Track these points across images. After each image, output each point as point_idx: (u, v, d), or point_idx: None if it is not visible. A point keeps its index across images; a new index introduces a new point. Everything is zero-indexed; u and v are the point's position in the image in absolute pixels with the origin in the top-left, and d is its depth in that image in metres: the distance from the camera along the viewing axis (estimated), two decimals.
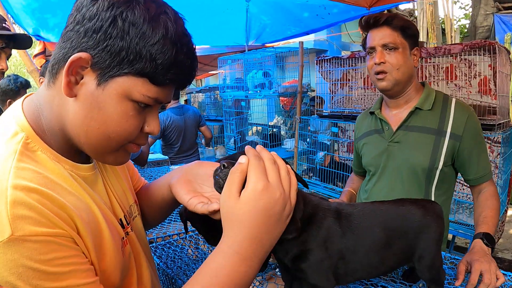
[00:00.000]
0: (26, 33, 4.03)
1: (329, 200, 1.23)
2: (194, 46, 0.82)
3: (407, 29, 1.68)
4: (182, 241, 1.71)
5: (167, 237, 1.73)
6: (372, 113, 1.92)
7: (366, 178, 1.99)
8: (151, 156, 4.49)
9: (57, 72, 0.74)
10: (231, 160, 0.86)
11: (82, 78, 0.73)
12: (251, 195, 0.71)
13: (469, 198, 3.54)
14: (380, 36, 1.68)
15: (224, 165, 0.82)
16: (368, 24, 1.73)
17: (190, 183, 0.98)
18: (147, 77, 0.73)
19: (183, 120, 4.74)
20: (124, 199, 0.98)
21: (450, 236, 4.76)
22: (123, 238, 0.89)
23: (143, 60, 0.71)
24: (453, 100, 1.74)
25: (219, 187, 0.81)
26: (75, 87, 0.73)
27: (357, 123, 2.08)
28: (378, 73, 1.70)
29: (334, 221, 0.99)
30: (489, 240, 1.43)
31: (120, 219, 0.92)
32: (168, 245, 1.66)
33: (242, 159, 0.75)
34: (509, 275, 1.29)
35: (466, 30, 14.23)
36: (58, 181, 0.73)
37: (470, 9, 12.60)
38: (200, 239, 1.73)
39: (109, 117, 0.74)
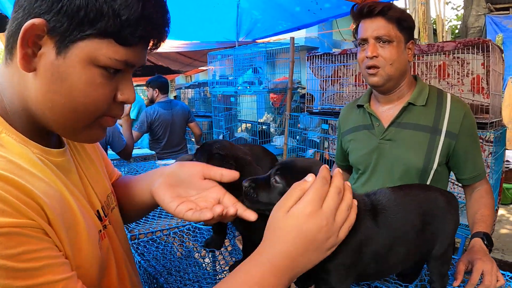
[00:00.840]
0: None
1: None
2: None
3: (403, 21, 1.56)
4: (166, 238, 1.66)
5: (150, 233, 1.67)
6: (360, 106, 1.79)
7: (353, 176, 1.87)
8: (137, 151, 4.44)
9: (13, 46, 0.66)
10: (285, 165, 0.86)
11: (40, 49, 0.64)
12: (298, 214, 0.70)
13: (460, 197, 3.51)
14: (374, 27, 1.54)
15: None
16: (361, 13, 1.59)
17: (173, 188, 0.91)
18: (112, 37, 0.65)
19: (171, 115, 4.68)
20: (101, 189, 0.90)
21: None
22: (100, 231, 0.81)
23: (106, 18, 0.62)
24: (448, 96, 1.64)
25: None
26: (33, 60, 0.64)
27: (342, 116, 1.94)
28: (369, 67, 1.58)
29: (371, 220, 0.91)
30: (488, 240, 1.37)
31: (98, 211, 0.84)
32: (151, 242, 1.60)
33: (308, 177, 0.73)
34: (508, 275, 1.26)
35: (457, 31, 14.35)
36: (26, 166, 0.64)
37: (462, 10, 12.69)
38: (185, 235, 1.69)
39: (74, 88, 0.66)
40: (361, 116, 1.78)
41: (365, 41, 1.58)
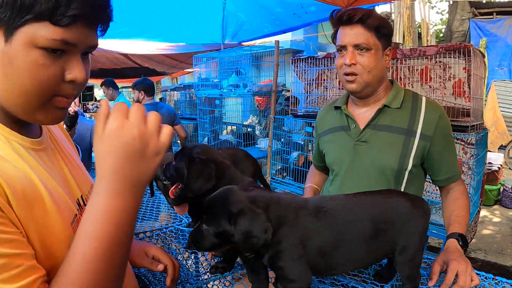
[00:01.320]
0: None
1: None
2: None
3: (381, 28, 1.57)
4: (149, 240, 1.67)
5: (140, 233, 1.68)
6: (337, 107, 1.81)
7: (330, 178, 1.89)
8: None
9: None
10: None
11: None
12: (108, 134, 0.72)
13: (439, 198, 3.56)
14: (353, 34, 1.56)
15: None
16: (341, 20, 1.60)
17: None
18: (47, 19, 0.70)
19: None
20: (82, 181, 0.98)
21: None
22: (76, 215, 0.86)
23: (40, 2, 0.68)
24: (423, 99, 1.67)
25: None
26: None
27: (319, 117, 1.96)
28: (347, 74, 1.60)
29: (311, 219, 1.01)
30: (463, 241, 1.39)
31: (78, 199, 0.92)
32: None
33: (101, 102, 0.78)
34: (483, 275, 1.29)
35: (442, 35, 14.52)
36: None
37: (447, 15, 12.85)
38: (168, 237, 1.69)
39: (21, 71, 0.72)
40: (338, 118, 1.80)
41: (343, 48, 1.60)
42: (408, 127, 1.62)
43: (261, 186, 1.57)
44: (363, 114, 1.71)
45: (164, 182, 1.51)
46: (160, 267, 1.19)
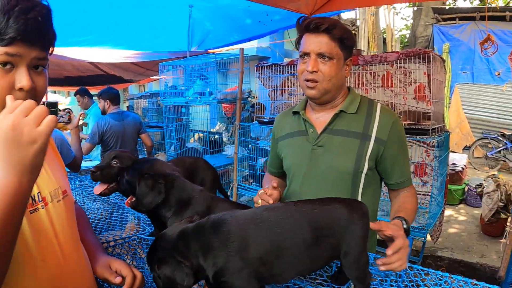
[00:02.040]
0: None
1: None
2: None
3: (345, 40, 1.63)
4: (120, 249, 1.66)
5: (104, 244, 1.65)
6: (295, 113, 1.85)
7: (288, 183, 1.90)
8: (87, 164, 4.35)
9: None
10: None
11: None
12: None
13: None
14: (317, 43, 1.60)
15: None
16: (308, 28, 1.64)
17: None
18: None
19: (122, 126, 4.66)
20: (45, 181, 1.11)
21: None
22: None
23: None
24: (378, 105, 1.73)
25: None
26: None
27: (277, 122, 1.98)
28: (308, 80, 1.64)
29: (245, 232, 1.04)
30: (407, 229, 1.42)
31: (34, 195, 1.05)
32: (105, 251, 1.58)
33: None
34: (438, 274, 1.32)
35: (406, 40, 14.88)
36: None
37: (411, 20, 13.18)
38: (142, 245, 1.69)
39: None
40: (296, 123, 1.83)
41: (307, 54, 1.64)
42: (363, 131, 1.67)
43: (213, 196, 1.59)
44: (320, 118, 1.76)
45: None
46: (118, 279, 1.24)
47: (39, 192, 1.07)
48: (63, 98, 16.61)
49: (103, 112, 4.87)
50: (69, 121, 3.20)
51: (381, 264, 1.22)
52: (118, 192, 1.68)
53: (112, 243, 1.67)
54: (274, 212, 1.10)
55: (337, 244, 1.12)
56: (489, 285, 1.20)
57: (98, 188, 1.73)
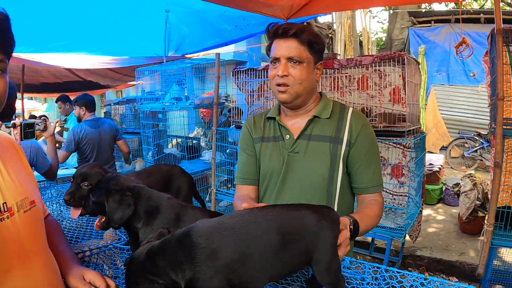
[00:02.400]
0: None
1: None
2: None
3: (314, 43, 1.64)
4: (96, 258, 1.64)
5: (80, 253, 1.62)
6: (270, 118, 1.84)
7: (262, 190, 1.86)
8: (64, 172, 4.29)
9: None
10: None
11: None
12: None
13: (385, 201, 3.65)
14: (286, 47, 1.61)
15: None
16: (276, 34, 1.65)
17: None
18: None
19: (98, 133, 4.62)
20: (11, 191, 1.11)
21: (369, 239, 4.95)
22: None
23: None
24: (350, 110, 1.75)
25: None
26: None
27: (250, 125, 1.89)
28: (279, 85, 1.64)
29: (210, 241, 1.03)
30: (355, 228, 1.38)
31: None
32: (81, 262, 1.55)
33: None
34: (414, 275, 1.31)
35: (383, 43, 15.10)
36: None
37: (387, 23, 13.36)
38: (118, 255, 1.68)
39: None
40: (271, 128, 1.83)
41: (277, 59, 1.65)
42: (335, 135, 1.69)
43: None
44: (295, 125, 1.76)
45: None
46: None
47: (4, 203, 1.06)
48: (40, 104, 16.36)
49: (79, 119, 4.81)
50: (45, 128, 3.15)
51: None
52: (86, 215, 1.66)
53: (87, 253, 1.65)
54: (239, 219, 1.09)
55: (306, 250, 1.11)
56: (464, 285, 1.21)
57: (74, 212, 1.72)
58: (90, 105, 4.75)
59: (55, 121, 3.62)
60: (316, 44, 1.65)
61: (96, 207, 1.44)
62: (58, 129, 5.85)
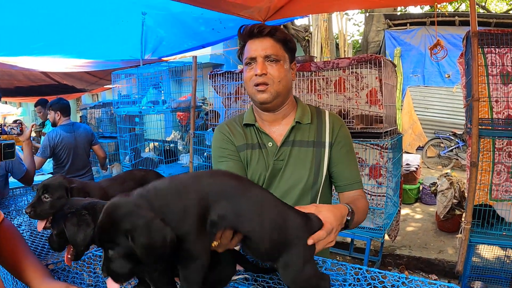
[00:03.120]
0: None
1: None
2: None
3: (288, 42, 1.65)
4: (76, 266, 1.56)
5: (59, 262, 1.56)
6: (248, 125, 1.76)
7: None
8: (40, 178, 4.20)
9: None
10: None
11: None
12: None
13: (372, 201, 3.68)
14: (263, 46, 1.60)
15: None
16: (251, 34, 1.63)
17: None
18: None
19: (74, 138, 4.56)
20: None
21: (349, 239, 4.98)
22: None
23: None
24: (326, 112, 1.76)
25: None
26: None
27: (228, 133, 1.78)
28: (258, 84, 1.61)
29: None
30: (350, 218, 1.42)
31: None
32: (60, 272, 1.51)
33: None
34: (396, 275, 1.31)
35: (359, 45, 15.28)
36: None
37: (363, 26, 13.52)
38: (97, 262, 1.61)
39: None
40: (249, 135, 1.76)
41: (253, 59, 1.62)
42: (317, 140, 1.69)
43: None
44: (277, 131, 1.73)
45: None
46: None
47: None
48: (14, 108, 15.97)
49: (54, 124, 4.73)
50: (21, 132, 3.06)
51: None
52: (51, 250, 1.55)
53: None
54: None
55: (280, 248, 1.10)
56: (446, 283, 1.21)
57: (40, 224, 1.68)
58: (65, 110, 4.67)
59: (31, 125, 3.54)
60: (290, 43, 1.67)
61: (61, 239, 1.34)
62: (33, 134, 5.72)
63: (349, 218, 1.40)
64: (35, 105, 5.79)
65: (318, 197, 1.71)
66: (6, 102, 14.81)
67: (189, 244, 0.96)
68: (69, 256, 1.35)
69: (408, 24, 10.73)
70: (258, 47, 1.61)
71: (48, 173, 4.93)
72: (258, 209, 1.06)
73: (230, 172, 1.13)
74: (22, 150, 3.51)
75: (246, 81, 1.68)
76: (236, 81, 4.02)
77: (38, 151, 4.50)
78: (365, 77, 3.79)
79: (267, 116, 1.74)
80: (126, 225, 0.89)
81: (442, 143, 9.86)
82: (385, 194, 3.88)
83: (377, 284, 1.31)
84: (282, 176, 1.69)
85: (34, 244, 1.91)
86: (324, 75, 3.89)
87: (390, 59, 4.05)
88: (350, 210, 1.42)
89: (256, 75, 1.60)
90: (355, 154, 1.79)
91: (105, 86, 9.41)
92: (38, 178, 4.16)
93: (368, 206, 1.73)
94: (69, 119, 4.72)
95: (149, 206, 0.94)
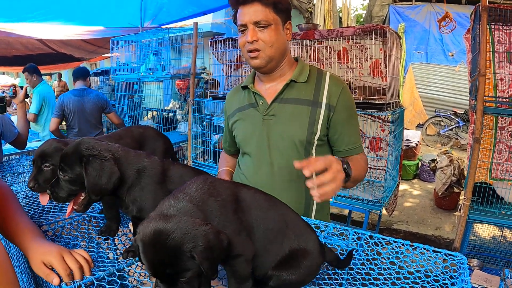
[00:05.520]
0: None
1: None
2: None
3: (278, 3, 1.63)
4: (69, 229, 1.56)
5: (52, 224, 1.56)
6: (244, 87, 1.86)
7: (240, 156, 1.92)
8: (36, 144, 4.18)
9: None
10: None
11: None
12: None
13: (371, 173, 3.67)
14: (252, 12, 1.60)
15: None
16: (239, 1, 1.63)
17: None
18: None
19: (81, 102, 4.70)
20: None
21: (346, 211, 4.99)
22: None
23: None
24: (327, 74, 1.75)
25: None
26: None
27: (227, 100, 1.98)
28: (250, 51, 1.63)
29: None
30: (347, 168, 1.39)
31: None
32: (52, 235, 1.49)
33: None
34: (400, 242, 1.30)
35: (362, 19, 15.05)
36: None
37: (368, 0, 13.30)
38: (92, 224, 1.62)
39: None
40: (246, 97, 1.84)
41: (244, 26, 1.63)
42: (314, 99, 1.69)
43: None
44: (270, 89, 1.76)
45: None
46: (55, 281, 1.06)
47: None
48: (12, 79, 15.83)
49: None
50: (14, 95, 3.01)
51: (311, 187, 1.21)
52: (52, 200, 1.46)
53: (60, 223, 1.58)
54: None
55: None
56: (451, 252, 1.19)
57: (43, 198, 1.58)
58: (75, 75, 4.86)
59: (24, 87, 3.49)
60: (280, 4, 1.63)
61: (71, 187, 1.22)
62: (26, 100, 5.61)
63: (345, 166, 1.36)
64: (23, 71, 5.49)
65: (313, 156, 1.70)
66: (3, 73, 14.66)
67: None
68: (78, 205, 1.27)
69: (413, 0, 10.54)
70: (247, 14, 1.61)
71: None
72: (282, 226, 1.08)
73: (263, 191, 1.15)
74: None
75: (240, 47, 1.71)
76: (237, 48, 3.95)
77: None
78: (369, 48, 3.73)
79: (264, 77, 1.78)
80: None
81: (442, 121, 9.82)
82: (384, 168, 3.85)
83: (380, 250, 1.29)
84: (274, 132, 1.71)
85: (28, 206, 1.87)
86: (327, 45, 3.81)
87: (395, 31, 3.96)
88: (342, 159, 1.38)
89: (248, 42, 1.62)
90: (357, 119, 1.78)
91: (103, 55, 9.31)
92: (35, 145, 4.13)
93: (367, 168, 1.74)
94: (82, 84, 4.84)
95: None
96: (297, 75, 1.72)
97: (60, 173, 1.22)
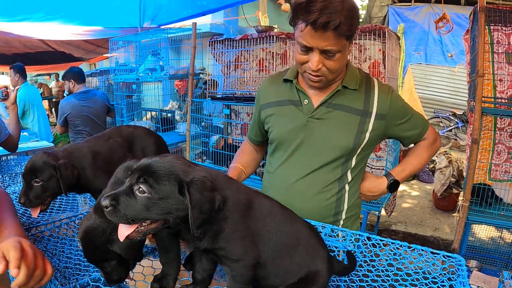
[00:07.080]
0: None
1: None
2: None
3: (352, 34, 1.48)
4: (67, 228, 1.57)
5: (49, 224, 1.58)
6: (287, 80, 1.74)
7: (271, 152, 1.85)
8: (34, 144, 4.15)
9: None
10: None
11: None
12: None
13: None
14: (323, 39, 1.42)
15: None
16: (314, 25, 1.39)
17: None
18: None
19: (86, 105, 4.64)
20: None
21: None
22: None
23: None
24: (376, 82, 1.69)
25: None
26: None
27: (263, 88, 1.87)
28: (312, 75, 1.54)
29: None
30: (394, 185, 1.77)
31: None
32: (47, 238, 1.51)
33: None
34: (397, 243, 1.30)
35: (361, 20, 15.05)
36: None
37: (367, 1, 13.30)
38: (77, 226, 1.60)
39: None
40: (287, 91, 1.75)
41: (309, 49, 1.48)
42: (364, 108, 1.64)
43: None
44: (317, 91, 1.68)
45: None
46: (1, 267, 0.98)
47: None
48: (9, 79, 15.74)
49: (70, 93, 4.77)
50: (6, 97, 2.99)
51: None
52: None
53: (57, 223, 1.58)
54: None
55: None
56: (450, 254, 1.18)
57: (34, 211, 1.59)
58: (77, 77, 4.68)
59: (15, 88, 3.48)
60: (353, 30, 1.47)
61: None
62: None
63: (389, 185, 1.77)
64: (10, 68, 5.40)
65: (353, 163, 1.69)
66: (3, 73, 14.58)
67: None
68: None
69: (412, 1, 10.55)
70: (317, 39, 1.43)
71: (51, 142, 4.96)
72: (294, 243, 1.10)
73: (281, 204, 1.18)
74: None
75: (297, 61, 1.59)
76: (236, 48, 3.94)
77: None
78: (368, 48, 3.72)
79: None
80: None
81: (441, 122, 9.82)
82: (384, 168, 3.85)
83: (378, 251, 1.28)
84: (316, 136, 1.66)
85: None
86: None
87: (394, 31, 3.96)
88: (390, 182, 1.76)
89: (312, 70, 1.52)
90: (409, 108, 1.75)
91: (103, 55, 9.30)
92: (33, 145, 4.10)
93: (433, 150, 1.85)
94: (84, 86, 4.74)
95: None
96: (348, 81, 1.65)
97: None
